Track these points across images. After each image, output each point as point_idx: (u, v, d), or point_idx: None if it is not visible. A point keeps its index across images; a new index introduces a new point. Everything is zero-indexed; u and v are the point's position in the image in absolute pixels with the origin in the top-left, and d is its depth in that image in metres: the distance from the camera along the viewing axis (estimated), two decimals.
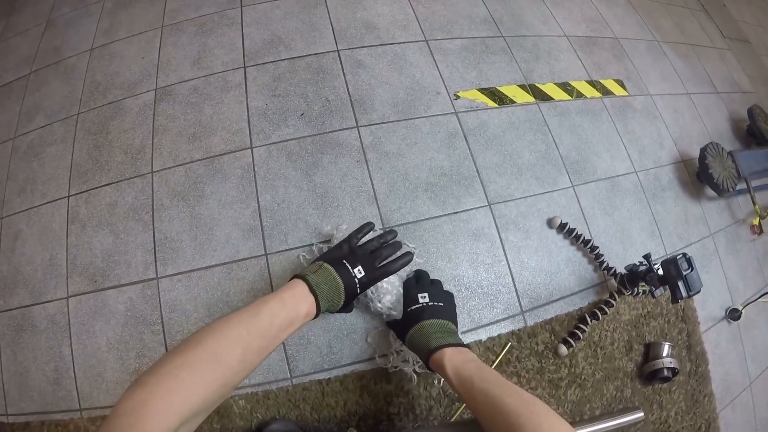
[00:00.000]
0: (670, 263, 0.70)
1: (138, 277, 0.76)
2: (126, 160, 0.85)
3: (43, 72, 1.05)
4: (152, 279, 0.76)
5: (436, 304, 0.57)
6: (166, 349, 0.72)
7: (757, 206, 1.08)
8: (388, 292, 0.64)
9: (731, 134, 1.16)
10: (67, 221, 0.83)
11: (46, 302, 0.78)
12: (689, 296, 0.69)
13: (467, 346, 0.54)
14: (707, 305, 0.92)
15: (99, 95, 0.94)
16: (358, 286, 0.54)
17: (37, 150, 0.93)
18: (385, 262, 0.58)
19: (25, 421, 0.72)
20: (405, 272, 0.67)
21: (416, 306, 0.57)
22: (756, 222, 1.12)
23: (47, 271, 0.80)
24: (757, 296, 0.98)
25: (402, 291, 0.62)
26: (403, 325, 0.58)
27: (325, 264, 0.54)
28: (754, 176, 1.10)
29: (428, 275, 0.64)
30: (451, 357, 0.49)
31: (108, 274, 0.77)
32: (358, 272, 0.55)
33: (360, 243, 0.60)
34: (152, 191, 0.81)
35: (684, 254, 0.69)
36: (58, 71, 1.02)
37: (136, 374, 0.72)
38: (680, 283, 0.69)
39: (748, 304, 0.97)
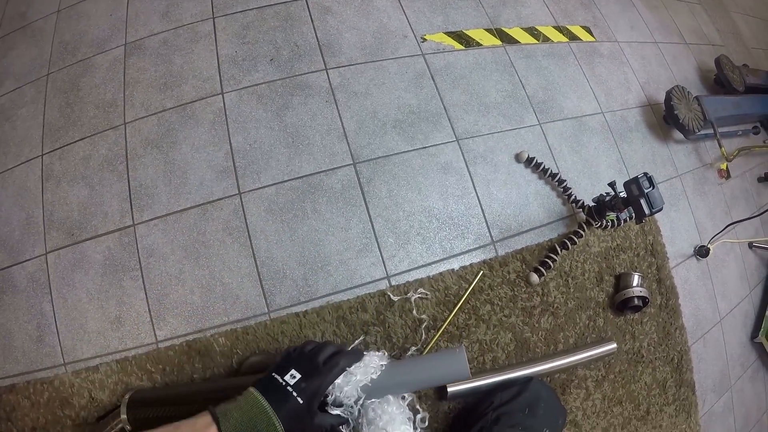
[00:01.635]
0: (632, 183, 0.71)
1: (115, 225, 0.76)
2: (98, 114, 0.84)
3: (10, 37, 1.03)
4: (129, 226, 0.76)
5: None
6: (146, 294, 0.74)
7: (723, 150, 1.12)
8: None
9: (699, 83, 1.19)
10: (42, 179, 0.83)
11: (24, 261, 0.78)
12: (652, 213, 0.70)
13: None
14: (676, 242, 0.95)
15: (68, 55, 0.93)
16: (296, 396, 0.40)
17: (8, 113, 0.92)
18: (329, 354, 0.44)
19: (10, 384, 0.72)
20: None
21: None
22: (723, 166, 1.16)
23: (24, 230, 0.80)
24: (721, 231, 1.02)
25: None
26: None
27: (249, 389, 0.42)
28: (720, 122, 1.13)
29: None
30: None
31: (85, 226, 0.77)
32: (290, 377, 0.42)
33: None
34: (125, 142, 0.81)
35: (645, 173, 0.71)
36: (26, 35, 1.01)
37: (117, 322, 0.72)
38: (642, 201, 0.70)
39: (714, 239, 1.02)
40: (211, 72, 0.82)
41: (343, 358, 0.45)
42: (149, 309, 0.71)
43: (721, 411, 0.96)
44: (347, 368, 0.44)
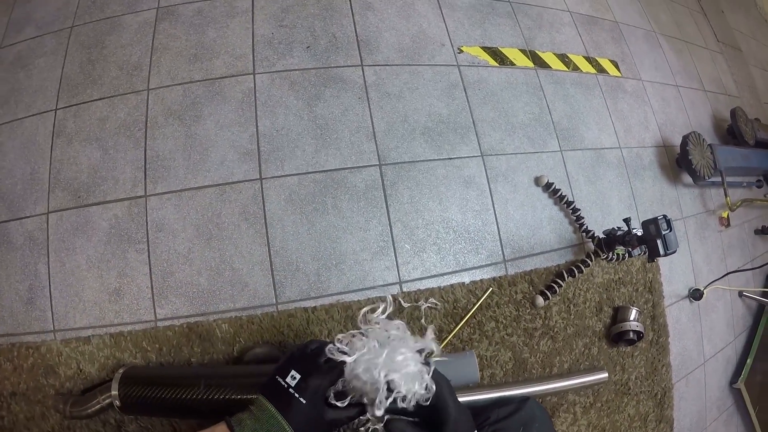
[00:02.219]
0: (650, 223, 0.73)
1: (125, 194, 0.72)
2: (121, 76, 0.80)
3: None
4: (140, 197, 0.73)
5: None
6: (150, 269, 0.70)
7: (728, 199, 1.15)
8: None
9: (712, 131, 1.23)
10: (53, 135, 0.78)
11: (24, 218, 0.73)
12: (667, 254, 0.73)
13: None
14: (673, 282, 0.98)
15: (96, 9, 0.88)
16: (298, 396, 0.40)
17: (24, 61, 0.87)
18: (333, 354, 0.43)
19: None
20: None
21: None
22: (725, 215, 1.20)
23: (27, 185, 0.75)
24: (719, 278, 1.05)
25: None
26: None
27: (259, 395, 0.42)
28: (729, 171, 1.17)
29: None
30: None
31: (93, 190, 0.73)
32: (291, 379, 0.41)
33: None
34: (147, 108, 0.78)
35: (664, 215, 0.73)
36: None
37: (116, 294, 0.69)
38: (659, 242, 0.72)
39: (709, 286, 1.05)
40: (244, 50, 0.79)
41: (345, 355, 0.42)
42: (152, 285, 0.69)
43: None
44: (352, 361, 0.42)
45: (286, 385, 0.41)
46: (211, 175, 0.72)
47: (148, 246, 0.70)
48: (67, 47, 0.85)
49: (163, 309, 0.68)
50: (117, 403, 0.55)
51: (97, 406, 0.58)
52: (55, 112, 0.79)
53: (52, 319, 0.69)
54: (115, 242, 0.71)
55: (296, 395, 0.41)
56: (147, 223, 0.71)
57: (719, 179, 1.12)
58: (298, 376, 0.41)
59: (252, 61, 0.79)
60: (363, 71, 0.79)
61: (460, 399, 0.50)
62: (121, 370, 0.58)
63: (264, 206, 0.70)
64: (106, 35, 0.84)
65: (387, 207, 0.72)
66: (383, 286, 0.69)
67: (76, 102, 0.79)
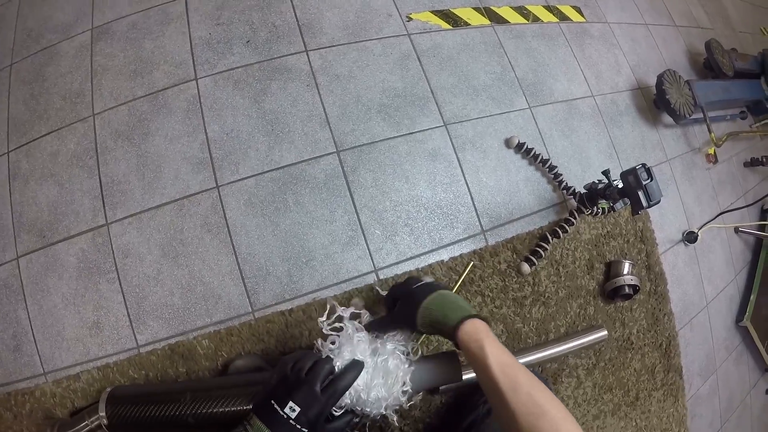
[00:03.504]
0: (629, 173, 0.67)
1: (87, 225, 0.70)
2: (65, 106, 0.76)
3: None
4: (102, 225, 0.70)
5: (435, 283, 0.49)
6: (124, 297, 0.67)
7: (712, 135, 1.08)
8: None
9: (688, 66, 1.15)
10: (9, 178, 0.75)
11: None
12: (650, 206, 0.67)
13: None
14: (665, 228, 0.92)
15: (32, 42, 0.83)
16: (300, 428, 0.40)
17: None
18: (327, 381, 0.43)
19: None
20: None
21: (423, 282, 0.50)
22: (711, 151, 1.12)
23: None
24: (712, 218, 1.00)
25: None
26: (412, 297, 0.48)
27: (254, 417, 0.42)
28: (710, 106, 1.10)
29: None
30: (487, 332, 0.41)
31: (56, 227, 0.70)
32: (290, 410, 0.40)
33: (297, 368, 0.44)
34: (95, 134, 0.74)
35: (643, 164, 0.67)
36: None
37: (96, 328, 0.67)
38: (640, 193, 0.67)
39: (703, 227, 1.00)
40: (183, 56, 0.74)
41: (340, 381, 0.43)
42: (128, 312, 0.66)
43: (707, 394, 0.95)
44: (347, 389, 0.43)
45: (285, 416, 0.40)
46: (167, 191, 0.68)
47: (118, 274, 0.67)
48: (9, 87, 0.81)
49: (143, 334, 0.65)
50: (105, 422, 0.53)
51: (86, 429, 0.57)
52: (8, 155, 0.76)
53: (41, 362, 0.67)
54: (85, 276, 0.68)
55: (298, 426, 0.40)
56: (113, 251, 0.68)
57: (701, 116, 1.05)
58: (298, 409, 0.41)
59: (192, 66, 0.73)
60: (308, 56, 0.74)
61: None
62: (107, 390, 0.56)
63: (225, 214, 0.66)
64: (45, 66, 0.80)
65: (351, 194, 0.67)
66: (358, 276, 0.65)
67: (26, 141, 0.76)
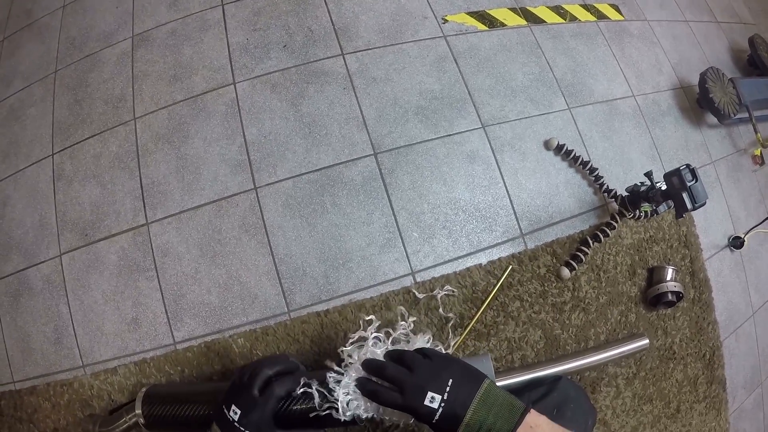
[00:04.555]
0: (673, 175, 0.64)
1: (128, 224, 0.72)
2: (107, 110, 0.80)
3: (17, 36, 0.98)
4: (142, 225, 0.72)
5: (449, 391, 0.39)
6: (162, 295, 0.70)
7: (759, 135, 1.03)
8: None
9: (732, 64, 1.10)
10: (53, 179, 0.79)
11: (40, 263, 0.75)
12: (695, 208, 0.64)
13: (525, 408, 0.39)
14: (709, 233, 0.88)
15: (75, 50, 0.88)
16: (246, 430, 0.41)
17: (17, 113, 0.88)
18: (262, 383, 0.43)
19: (31, 386, 0.70)
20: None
21: (437, 415, 0.38)
22: (758, 152, 1.07)
23: (38, 232, 0.76)
24: (760, 223, 0.95)
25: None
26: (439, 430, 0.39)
27: (213, 423, 0.44)
28: (755, 105, 1.04)
29: (397, 360, 0.44)
30: None
31: (98, 226, 0.73)
32: (234, 413, 0.42)
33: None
34: (136, 137, 0.77)
35: (687, 165, 0.64)
36: (32, 33, 0.96)
37: (134, 323, 0.69)
38: (685, 195, 0.64)
39: (750, 232, 0.94)
40: (222, 61, 0.76)
41: (276, 386, 0.44)
42: (166, 310, 0.68)
43: (751, 408, 0.90)
44: (282, 393, 0.43)
45: (231, 419, 0.42)
46: (206, 192, 0.70)
47: (157, 272, 0.69)
48: (54, 92, 0.85)
49: (180, 331, 0.67)
50: (141, 421, 0.55)
51: (124, 426, 0.58)
52: (53, 157, 0.80)
53: (80, 355, 0.70)
54: (125, 273, 0.70)
55: (241, 428, 0.42)
56: (152, 250, 0.70)
57: (746, 115, 1.00)
58: (239, 411, 0.43)
59: (231, 71, 0.75)
60: (345, 60, 0.74)
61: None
62: (143, 390, 0.58)
63: (262, 215, 0.67)
64: (88, 73, 0.84)
65: (388, 196, 0.67)
66: (395, 279, 0.65)
67: (70, 144, 0.80)
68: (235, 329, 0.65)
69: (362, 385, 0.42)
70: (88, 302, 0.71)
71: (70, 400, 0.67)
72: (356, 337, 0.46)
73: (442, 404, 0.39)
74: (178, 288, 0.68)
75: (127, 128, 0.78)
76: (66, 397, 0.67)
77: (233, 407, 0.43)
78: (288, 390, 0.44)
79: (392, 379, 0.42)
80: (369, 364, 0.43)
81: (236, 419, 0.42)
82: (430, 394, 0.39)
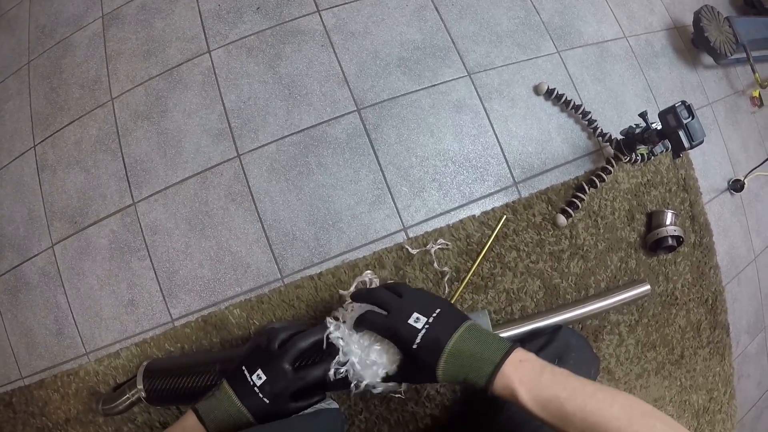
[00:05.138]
0: (668, 112, 0.62)
1: (115, 207, 0.71)
2: (84, 94, 0.77)
3: None
4: (129, 205, 0.71)
5: (435, 316, 0.39)
6: (155, 273, 0.69)
7: (757, 75, 0.99)
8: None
9: (727, 2, 1.05)
10: (38, 171, 0.78)
11: (33, 257, 0.74)
12: (692, 146, 0.62)
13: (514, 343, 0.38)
14: (708, 176, 0.86)
15: (46, 38, 0.85)
16: (262, 396, 0.40)
17: None
18: (295, 357, 0.41)
19: (39, 380, 0.70)
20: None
21: (420, 336, 0.38)
22: (756, 93, 1.03)
23: (28, 225, 0.75)
24: (759, 165, 0.92)
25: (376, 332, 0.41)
26: (420, 367, 0.39)
27: (224, 382, 0.42)
28: (753, 45, 1.00)
29: (388, 289, 0.44)
30: (520, 378, 0.35)
31: (86, 212, 0.72)
32: (257, 378, 0.40)
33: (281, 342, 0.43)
34: (115, 118, 0.75)
35: (683, 102, 0.62)
36: (1, 26, 0.94)
37: (131, 305, 0.68)
38: (681, 133, 0.61)
39: (749, 175, 0.92)
40: (194, 30, 0.73)
41: (314, 370, 0.42)
42: (160, 288, 0.67)
43: (755, 352, 0.89)
44: (315, 380, 0.41)
45: (251, 383, 0.41)
46: (189, 165, 0.68)
47: (148, 251, 0.68)
48: (29, 84, 0.83)
49: (176, 308, 0.66)
50: (143, 395, 0.55)
51: (127, 402, 0.59)
52: (35, 149, 0.78)
53: (82, 343, 0.70)
54: (117, 256, 0.70)
55: (260, 395, 0.41)
56: (142, 229, 0.69)
57: (743, 55, 0.96)
58: (264, 377, 0.41)
59: (204, 39, 0.73)
60: (321, 16, 0.71)
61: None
62: (144, 364, 0.58)
63: (248, 182, 0.66)
64: (60, 59, 0.81)
65: (375, 152, 0.65)
66: (387, 236, 0.64)
67: (50, 133, 0.78)
68: (230, 300, 0.64)
69: (356, 322, 0.41)
70: (84, 289, 0.70)
71: (77, 388, 0.68)
72: (355, 283, 0.45)
73: (426, 326, 0.39)
74: (171, 265, 0.67)
75: (105, 110, 0.75)
76: (74, 386, 0.68)
77: (259, 372, 0.40)
78: (322, 378, 0.41)
79: (381, 302, 0.42)
80: (359, 293, 0.43)
81: (258, 384, 0.40)
82: (415, 314, 0.40)
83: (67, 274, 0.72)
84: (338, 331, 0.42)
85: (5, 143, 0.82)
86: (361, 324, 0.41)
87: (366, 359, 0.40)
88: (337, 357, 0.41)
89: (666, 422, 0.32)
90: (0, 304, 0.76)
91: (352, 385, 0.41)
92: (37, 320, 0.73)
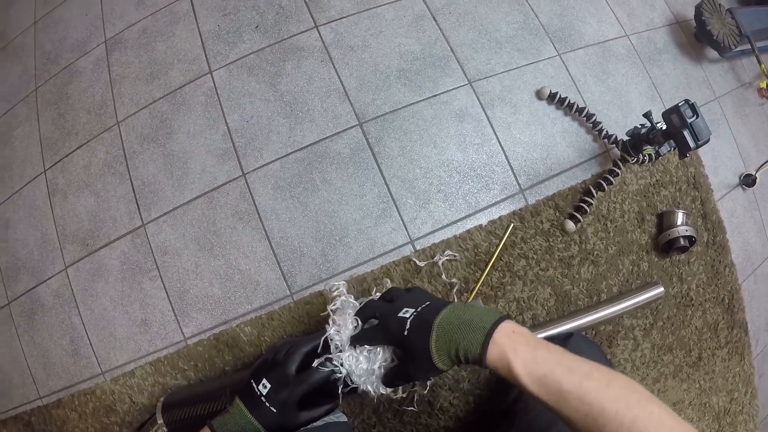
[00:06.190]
0: (672, 112, 0.60)
1: (125, 228, 0.71)
2: (91, 119, 0.79)
3: None
4: (139, 227, 0.71)
5: (423, 306, 0.40)
6: (167, 293, 0.69)
7: (763, 66, 0.96)
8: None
9: None
10: (49, 195, 0.79)
11: (48, 279, 0.76)
12: (698, 146, 0.60)
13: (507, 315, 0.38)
14: (719, 172, 0.83)
15: (52, 64, 0.86)
16: (269, 405, 0.40)
17: (5, 137, 0.88)
18: (299, 365, 0.42)
19: (57, 399, 0.72)
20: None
21: (409, 322, 0.39)
22: (763, 85, 0.99)
23: (42, 249, 0.77)
24: None
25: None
26: (415, 353, 0.38)
27: (236, 397, 0.43)
28: (757, 35, 0.97)
29: (382, 297, 0.45)
30: (514, 349, 0.34)
31: (97, 234, 0.73)
32: (263, 387, 0.41)
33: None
34: (122, 141, 0.75)
35: (687, 100, 0.60)
36: (8, 54, 0.95)
37: (144, 325, 0.69)
38: (686, 133, 0.59)
39: (761, 168, 0.89)
40: (195, 52, 0.74)
41: (316, 372, 0.42)
42: (172, 307, 0.67)
43: None
44: (320, 382, 0.41)
45: (258, 393, 0.41)
46: (196, 185, 0.69)
47: (159, 271, 0.68)
48: (37, 110, 0.85)
49: (188, 327, 0.67)
50: (165, 429, 0.56)
51: None
52: (45, 174, 0.80)
53: (98, 362, 0.71)
54: (129, 277, 0.70)
55: (267, 404, 0.41)
56: (152, 250, 0.69)
57: (748, 46, 0.93)
58: (269, 386, 0.41)
59: (206, 60, 0.73)
60: (319, 32, 0.71)
61: None
62: (161, 400, 0.59)
63: (254, 201, 0.66)
64: (67, 85, 0.83)
65: (378, 166, 0.65)
66: (394, 249, 0.63)
67: (60, 157, 0.79)
68: (241, 318, 0.64)
69: (353, 340, 0.42)
70: (98, 310, 0.71)
71: (94, 407, 0.68)
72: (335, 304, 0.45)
73: (414, 314, 0.40)
74: (181, 284, 0.67)
75: (112, 133, 0.76)
76: (90, 405, 0.69)
77: (264, 381, 0.41)
78: (325, 378, 0.41)
79: (374, 309, 0.44)
80: (361, 311, 0.44)
81: (264, 393, 0.40)
82: (404, 308, 0.41)
83: (81, 296, 0.73)
84: (337, 334, 0.42)
85: (17, 169, 0.83)
86: (358, 341, 0.42)
87: (361, 354, 0.40)
88: (335, 352, 0.41)
89: (664, 409, 0.31)
90: (17, 326, 0.78)
91: (359, 389, 0.41)
92: (54, 341, 0.74)
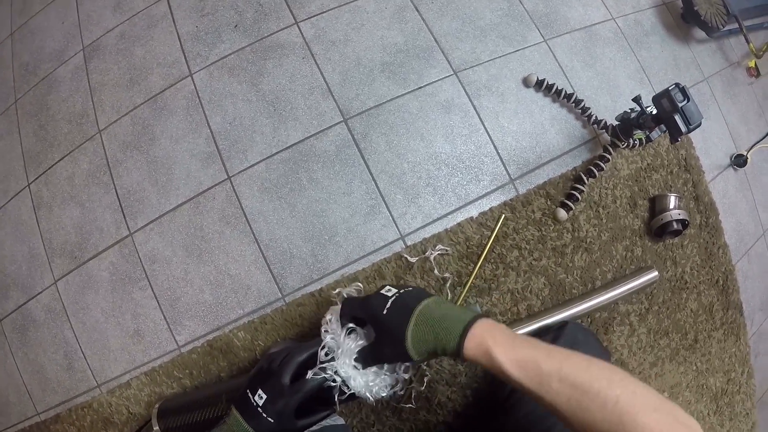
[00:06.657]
0: (662, 96, 0.58)
1: (113, 239, 0.70)
2: (72, 129, 0.77)
3: None
4: (126, 236, 0.70)
5: (407, 289, 0.41)
6: (158, 302, 0.68)
7: (751, 45, 0.95)
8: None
9: None
10: (34, 209, 0.77)
11: (38, 294, 0.74)
12: (690, 130, 0.59)
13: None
14: (710, 153, 0.82)
15: (30, 75, 0.84)
16: (266, 416, 0.39)
17: None
18: (294, 373, 0.41)
19: (54, 414, 0.71)
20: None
21: (390, 301, 0.39)
22: (752, 64, 0.99)
23: (30, 264, 0.75)
24: (762, 138, 0.88)
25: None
26: (391, 336, 0.38)
27: (232, 407, 0.42)
28: (744, 14, 0.96)
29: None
30: (494, 338, 0.34)
31: (85, 246, 0.72)
32: (259, 398, 0.40)
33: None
34: (104, 150, 0.74)
35: (677, 84, 0.58)
36: None
37: (137, 335, 0.68)
38: (677, 117, 0.58)
39: (752, 148, 0.88)
40: (175, 55, 0.72)
41: (311, 381, 0.41)
42: (164, 316, 0.66)
43: None
44: (315, 390, 0.41)
45: (255, 404, 0.41)
46: (181, 191, 0.67)
47: (149, 280, 0.67)
48: (18, 122, 0.83)
49: (181, 335, 0.65)
50: None
51: None
52: (29, 188, 0.78)
53: (93, 376, 0.70)
54: (119, 288, 0.69)
55: (263, 414, 0.40)
56: (140, 259, 0.68)
57: (736, 26, 0.92)
58: (264, 396, 0.41)
59: (185, 63, 0.71)
60: (299, 28, 0.69)
61: None
62: (156, 406, 0.58)
63: (240, 204, 0.64)
64: (46, 96, 0.81)
65: (365, 162, 0.64)
66: (385, 246, 0.62)
67: (43, 170, 0.77)
68: (233, 323, 0.63)
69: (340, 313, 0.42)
70: (90, 323, 0.70)
71: (92, 420, 0.67)
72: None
73: (396, 294, 0.40)
74: (172, 292, 0.66)
75: (94, 143, 0.74)
76: (88, 418, 0.68)
77: (259, 391, 0.40)
78: (319, 386, 0.41)
79: (360, 302, 0.44)
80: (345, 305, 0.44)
81: (260, 404, 0.40)
82: (387, 287, 0.42)
83: (72, 309, 0.72)
84: (332, 341, 0.41)
85: (0, 184, 0.82)
86: (342, 315, 0.42)
87: (344, 344, 0.40)
88: (328, 360, 0.40)
89: (647, 388, 0.31)
90: (10, 343, 0.77)
91: (357, 396, 0.40)
92: (48, 356, 0.73)
